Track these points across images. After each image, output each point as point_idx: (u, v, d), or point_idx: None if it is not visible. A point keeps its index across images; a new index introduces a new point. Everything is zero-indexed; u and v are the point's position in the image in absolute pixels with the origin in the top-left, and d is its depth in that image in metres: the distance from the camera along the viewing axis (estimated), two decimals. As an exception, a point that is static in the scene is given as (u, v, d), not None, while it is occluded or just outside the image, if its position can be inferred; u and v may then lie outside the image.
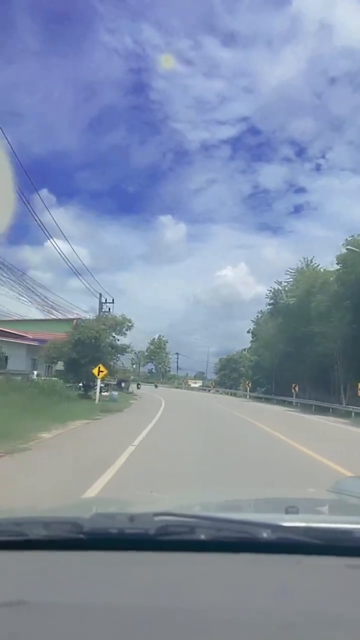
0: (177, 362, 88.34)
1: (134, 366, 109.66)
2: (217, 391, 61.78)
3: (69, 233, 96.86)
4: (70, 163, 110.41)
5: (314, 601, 0.87)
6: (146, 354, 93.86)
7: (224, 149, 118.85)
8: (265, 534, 1.06)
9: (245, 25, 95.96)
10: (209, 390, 64.00)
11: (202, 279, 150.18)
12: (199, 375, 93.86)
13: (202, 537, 1.06)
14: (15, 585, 0.94)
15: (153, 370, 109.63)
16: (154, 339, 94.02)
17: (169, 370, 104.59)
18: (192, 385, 75.17)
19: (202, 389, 70.07)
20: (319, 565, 1.02)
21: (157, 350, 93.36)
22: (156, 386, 62.10)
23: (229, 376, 67.78)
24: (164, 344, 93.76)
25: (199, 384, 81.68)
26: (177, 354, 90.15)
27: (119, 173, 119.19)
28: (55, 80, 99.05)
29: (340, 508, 1.81)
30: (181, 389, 68.54)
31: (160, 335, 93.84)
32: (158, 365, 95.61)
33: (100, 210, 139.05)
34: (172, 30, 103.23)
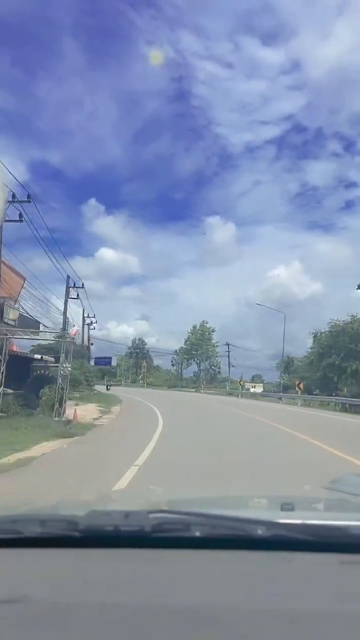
0: (229, 356, 67.80)
1: (174, 367, 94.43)
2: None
3: (118, 242, 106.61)
4: (118, 174, 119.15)
5: (308, 597, 0.91)
6: (185, 347, 72.71)
7: (268, 149, 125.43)
8: (260, 531, 1.11)
9: (285, 21, 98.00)
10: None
11: (253, 280, 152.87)
12: (256, 379, 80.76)
13: (197, 534, 1.11)
14: (10, 582, 0.98)
15: (198, 372, 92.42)
16: (194, 327, 73.27)
17: (219, 372, 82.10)
18: (252, 390, 54.67)
19: (265, 395, 52.01)
20: (314, 562, 1.08)
21: (199, 342, 73.00)
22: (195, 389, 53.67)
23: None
24: (209, 333, 72.85)
25: (258, 388, 59.89)
26: (228, 344, 69.70)
27: (165, 181, 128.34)
28: (100, 95, 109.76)
29: (335, 505, 1.86)
30: (237, 396, 51.12)
31: (204, 321, 72.75)
32: (202, 360, 74.97)
33: (147, 218, 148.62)
34: (210, 35, 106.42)
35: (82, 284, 37.18)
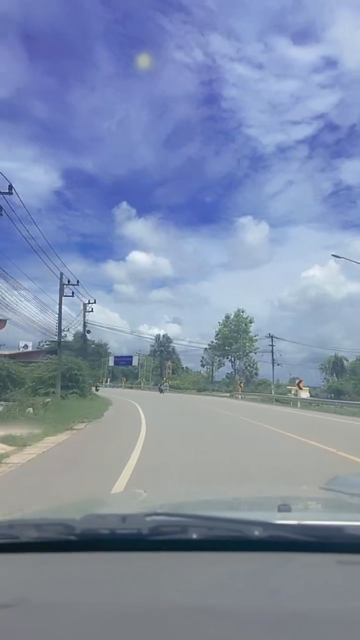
0: (272, 352, 54.87)
1: (205, 368, 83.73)
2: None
3: (150, 245, 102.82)
4: (149, 179, 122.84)
5: (306, 598, 0.94)
6: (216, 342, 59.78)
7: (300, 149, 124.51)
8: (257, 532, 1.13)
9: (316, 18, 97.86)
10: None
11: (286, 282, 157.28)
12: (292, 382, 61.19)
13: (194, 536, 1.14)
14: (7, 587, 1.01)
15: (231, 374, 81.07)
16: (227, 317, 60.83)
17: (255, 373, 69.36)
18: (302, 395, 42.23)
19: (317, 401, 37.78)
20: (311, 562, 1.10)
21: (234, 335, 60.48)
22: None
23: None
24: (247, 324, 60.21)
25: (304, 393, 47.24)
26: (271, 336, 56.64)
27: (196, 184, 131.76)
28: (131, 101, 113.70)
29: (332, 505, 1.90)
30: (289, 404, 37.94)
31: (239, 310, 60.20)
32: (238, 357, 62.13)
33: (179, 221, 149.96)
34: (241, 36, 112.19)
35: (78, 282, 34.22)
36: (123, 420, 18.65)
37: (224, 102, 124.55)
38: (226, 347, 62.97)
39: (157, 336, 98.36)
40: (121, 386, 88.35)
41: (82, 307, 41.93)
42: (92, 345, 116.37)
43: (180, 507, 1.59)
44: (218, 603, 0.91)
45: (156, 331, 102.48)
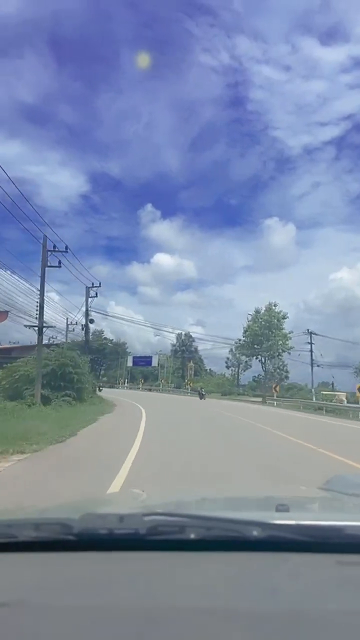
0: (312, 351, 46.65)
1: (230, 370, 76.61)
2: None
3: (174, 247, 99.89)
4: (174, 182, 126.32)
5: (304, 598, 0.94)
6: (244, 340, 51.97)
7: (327, 150, 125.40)
8: (255, 532, 1.13)
9: (344, 18, 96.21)
10: None
11: (313, 284, 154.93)
12: (323, 386, 61.78)
13: (192, 536, 1.14)
14: (5, 587, 1.01)
15: (259, 377, 74.18)
16: (257, 312, 53.00)
17: (286, 376, 62.16)
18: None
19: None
20: (310, 563, 1.10)
21: (265, 332, 52.64)
22: None
23: None
24: (279, 320, 52.37)
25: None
26: (310, 333, 48.49)
27: (221, 187, 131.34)
28: (157, 105, 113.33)
29: (330, 505, 1.94)
30: (339, 414, 27.69)
31: (271, 304, 52.40)
32: (270, 357, 54.31)
33: (204, 224, 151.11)
34: (267, 38, 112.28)
35: (66, 247, 25.81)
36: (100, 451, 10.51)
37: (250, 104, 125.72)
38: (255, 346, 55.22)
39: (179, 335, 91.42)
40: (139, 388, 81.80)
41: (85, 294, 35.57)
42: (110, 344, 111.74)
43: (178, 507, 1.61)
44: (216, 603, 0.91)
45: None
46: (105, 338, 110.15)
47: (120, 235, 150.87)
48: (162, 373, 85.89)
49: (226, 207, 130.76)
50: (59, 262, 24.59)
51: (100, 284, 36.41)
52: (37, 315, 23.93)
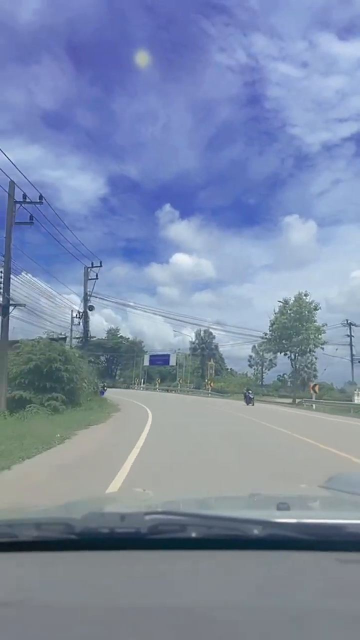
0: (351, 344, 40.53)
1: (253, 370, 70.97)
2: None
3: (193, 247, 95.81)
4: (192, 182, 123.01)
5: (305, 596, 0.95)
6: (270, 335, 46.05)
7: (347, 146, 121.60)
8: (256, 531, 1.14)
9: None
10: None
11: (334, 282, 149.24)
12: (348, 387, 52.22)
13: (194, 535, 1.14)
14: (8, 586, 1.02)
15: (283, 376, 75.31)
16: (285, 302, 47.03)
17: (315, 375, 56.17)
18: None
19: None
20: (310, 561, 1.11)
21: (295, 325, 46.39)
22: None
23: None
24: (311, 311, 46.31)
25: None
26: (350, 324, 42.18)
27: (239, 186, 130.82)
28: (173, 106, 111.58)
29: (331, 504, 1.93)
30: None
31: (301, 293, 46.43)
32: (301, 353, 48.11)
33: (222, 223, 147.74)
34: (284, 35, 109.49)
35: (40, 197, 19.39)
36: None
37: (267, 102, 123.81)
38: (283, 341, 49.26)
39: (198, 332, 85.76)
40: (155, 388, 76.46)
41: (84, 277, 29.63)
42: (125, 342, 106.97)
43: (179, 506, 1.60)
44: (217, 601, 0.91)
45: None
46: (121, 336, 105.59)
47: (139, 236, 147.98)
48: (180, 372, 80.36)
49: (244, 205, 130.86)
50: (31, 218, 18.51)
51: (101, 263, 30.71)
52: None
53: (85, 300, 28.63)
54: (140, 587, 0.98)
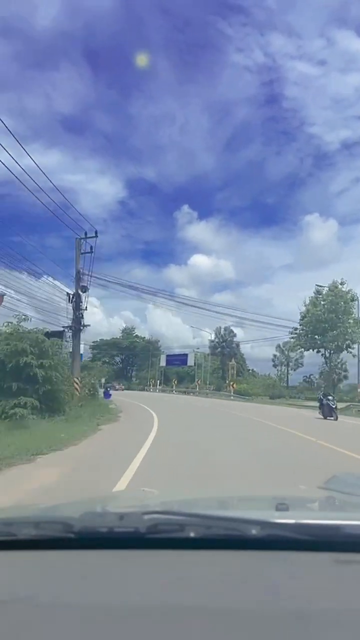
0: None
1: (277, 370, 65.51)
2: None
3: (211, 249, 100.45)
4: (210, 183, 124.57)
5: (303, 597, 0.95)
6: (301, 330, 40.12)
7: None
8: (254, 531, 1.14)
9: None
10: None
11: (357, 282, 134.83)
12: None
13: (192, 534, 1.15)
14: (5, 585, 1.02)
15: (309, 377, 69.84)
16: (318, 293, 41.22)
17: (345, 376, 56.66)
18: None
19: None
20: (309, 561, 1.11)
21: (330, 317, 40.35)
22: None
23: None
24: (347, 302, 40.33)
25: None
26: None
27: (258, 186, 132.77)
28: (191, 107, 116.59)
29: (330, 504, 1.92)
30: None
31: (335, 282, 40.23)
32: (337, 350, 42.06)
33: (240, 224, 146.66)
34: (301, 34, 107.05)
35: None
36: None
37: (285, 101, 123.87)
38: (316, 336, 43.31)
39: (217, 329, 79.64)
40: (172, 391, 70.96)
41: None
42: (141, 342, 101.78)
43: (178, 506, 1.59)
44: (215, 601, 0.91)
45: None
46: (137, 335, 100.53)
47: (157, 238, 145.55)
48: (198, 373, 74.75)
49: (263, 205, 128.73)
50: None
51: (96, 232, 24.73)
52: None
53: (78, 279, 22.70)
54: (139, 587, 0.99)
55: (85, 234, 24.22)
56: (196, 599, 0.93)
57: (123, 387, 69.94)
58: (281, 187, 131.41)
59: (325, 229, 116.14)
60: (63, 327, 24.13)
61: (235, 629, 0.83)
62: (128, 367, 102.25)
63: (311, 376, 76.47)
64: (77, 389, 21.12)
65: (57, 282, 31.72)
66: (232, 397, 52.24)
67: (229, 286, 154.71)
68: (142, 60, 72.51)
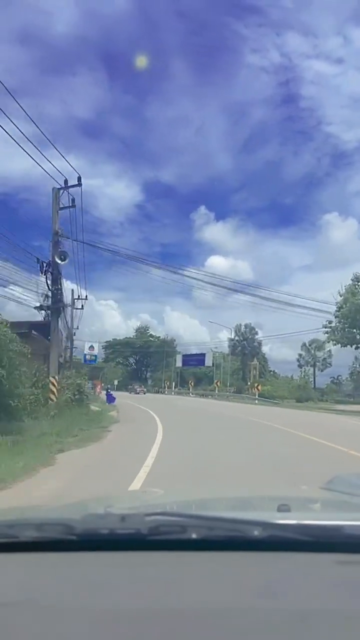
0: None
1: (303, 371, 60.14)
2: None
3: (229, 249, 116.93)
4: (227, 185, 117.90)
5: (305, 598, 0.95)
6: (336, 322, 33.83)
7: None
8: (256, 532, 1.14)
9: None
10: None
11: None
12: None
13: (194, 536, 1.14)
14: (7, 587, 1.02)
15: (338, 379, 67.27)
16: (356, 279, 35.15)
17: None
18: None
19: None
20: (311, 562, 1.11)
21: None
22: None
23: None
24: None
25: None
26: None
27: (275, 186, 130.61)
28: (207, 109, 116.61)
29: (331, 505, 1.91)
30: None
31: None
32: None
33: (258, 225, 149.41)
34: (318, 32, 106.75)
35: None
36: None
37: (302, 101, 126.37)
38: (354, 330, 37.43)
39: (237, 326, 73.53)
40: (189, 393, 65.32)
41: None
42: (156, 341, 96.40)
43: (180, 507, 1.61)
44: (217, 603, 0.92)
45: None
46: (151, 335, 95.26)
47: (174, 241, 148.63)
48: (217, 374, 69.05)
49: (281, 206, 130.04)
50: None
51: (80, 180, 18.24)
52: None
53: (55, 243, 16.31)
54: (141, 588, 0.99)
55: (66, 182, 17.88)
56: (198, 600, 0.93)
57: (145, 390, 64.05)
58: (299, 187, 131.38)
59: (344, 228, 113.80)
60: (35, 307, 18.76)
61: (238, 630, 0.83)
62: (142, 368, 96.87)
63: (339, 377, 70.86)
64: (53, 393, 15.61)
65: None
66: (256, 401, 46.48)
67: (246, 288, 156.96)
68: (141, 61, 71.64)
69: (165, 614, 0.88)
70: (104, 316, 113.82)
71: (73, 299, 28.45)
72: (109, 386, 39.28)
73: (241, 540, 1.13)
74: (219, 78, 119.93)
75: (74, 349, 31.49)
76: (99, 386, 38.33)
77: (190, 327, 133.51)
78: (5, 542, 1.16)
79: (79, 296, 29.76)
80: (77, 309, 29.99)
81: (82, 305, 30.48)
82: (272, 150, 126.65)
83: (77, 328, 31.64)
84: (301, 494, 2.33)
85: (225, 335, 74.92)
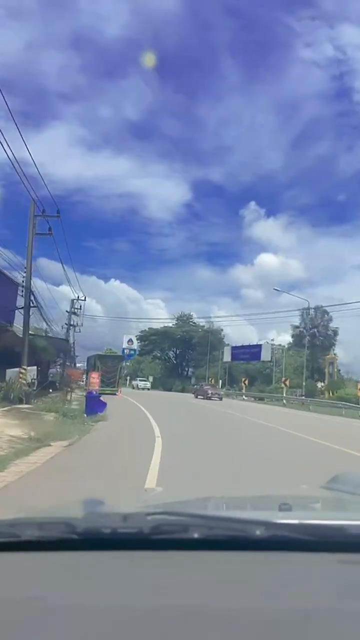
0: None
1: (331, 369, 44.32)
2: None
3: (280, 247, 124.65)
4: (278, 182, 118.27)
5: (307, 597, 0.96)
6: None
7: None
8: (258, 532, 1.14)
9: None
10: None
11: None
12: None
13: (196, 535, 1.15)
14: (9, 586, 1.03)
15: None
16: None
17: None
18: None
19: None
20: (312, 562, 1.12)
21: None
22: None
23: None
24: None
25: None
26: None
27: (328, 183, 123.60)
28: (258, 106, 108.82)
29: (333, 504, 1.92)
30: None
31: None
32: None
33: (310, 222, 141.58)
34: None
35: None
36: None
37: (356, 94, 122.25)
38: None
39: (305, 311, 57.69)
40: (242, 395, 50.15)
41: None
42: (200, 331, 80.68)
43: (181, 506, 1.58)
44: (219, 602, 0.93)
45: (287, 338, 66.49)
46: (194, 324, 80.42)
47: (223, 239, 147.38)
48: (277, 372, 53.59)
49: (334, 202, 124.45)
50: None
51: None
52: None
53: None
54: (142, 588, 0.99)
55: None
56: (200, 600, 0.93)
57: (221, 393, 45.60)
58: (353, 183, 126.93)
59: None
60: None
61: (240, 630, 0.84)
62: (183, 364, 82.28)
63: None
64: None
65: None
66: (343, 412, 31.08)
67: (297, 286, 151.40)
68: (150, 59, 67.53)
69: (167, 613, 0.88)
70: (150, 314, 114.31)
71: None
72: (101, 388, 25.00)
73: (243, 540, 1.13)
74: (270, 74, 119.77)
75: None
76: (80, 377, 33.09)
77: (237, 327, 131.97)
78: (7, 541, 1.16)
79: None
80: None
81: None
82: (325, 145, 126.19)
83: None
84: (302, 493, 2.35)
85: (281, 335, 60.25)
